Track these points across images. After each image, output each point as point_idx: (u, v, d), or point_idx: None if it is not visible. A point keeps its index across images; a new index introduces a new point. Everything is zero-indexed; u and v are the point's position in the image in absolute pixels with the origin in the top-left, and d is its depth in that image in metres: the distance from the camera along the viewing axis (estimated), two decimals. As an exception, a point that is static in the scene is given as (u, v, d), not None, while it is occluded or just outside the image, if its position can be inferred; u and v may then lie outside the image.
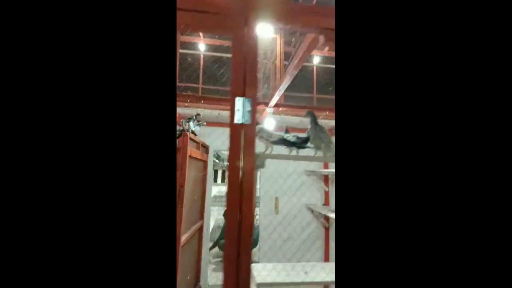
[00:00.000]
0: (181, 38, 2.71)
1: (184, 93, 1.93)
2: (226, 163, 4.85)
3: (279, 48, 2.61)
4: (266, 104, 1.82)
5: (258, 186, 3.88)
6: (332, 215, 2.57)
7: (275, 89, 2.18)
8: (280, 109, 1.89)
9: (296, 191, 2.93)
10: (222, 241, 3.61)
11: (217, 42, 4.10)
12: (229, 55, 4.00)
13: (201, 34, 3.92)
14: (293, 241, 2.87)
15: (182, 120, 1.99)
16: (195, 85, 4.13)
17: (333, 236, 2.83)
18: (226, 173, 3.98)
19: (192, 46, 4.09)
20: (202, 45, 4.15)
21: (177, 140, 2.54)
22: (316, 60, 3.64)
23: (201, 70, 4.08)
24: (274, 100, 1.72)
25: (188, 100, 1.99)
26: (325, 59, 3.75)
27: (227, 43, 4.01)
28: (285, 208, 2.90)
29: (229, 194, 0.74)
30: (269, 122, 2.01)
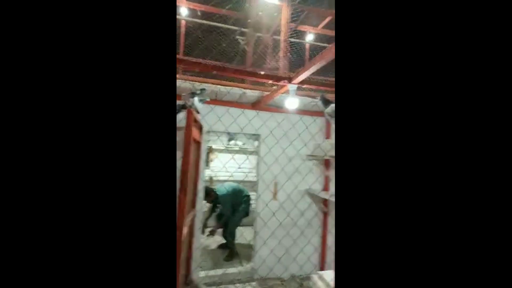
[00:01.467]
0: None
1: (193, 60, 1.55)
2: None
3: (284, 18, 2.28)
4: (290, 80, 1.51)
5: (255, 171, 3.66)
6: (332, 199, 2.48)
7: (284, 64, 1.90)
8: (304, 86, 1.60)
9: (295, 175, 2.76)
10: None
11: (202, 7, 3.55)
12: (221, 24, 3.52)
13: (185, -4, 3.35)
14: (292, 227, 2.76)
15: (183, 94, 1.63)
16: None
17: (332, 222, 2.77)
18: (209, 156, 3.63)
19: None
20: (184, 9, 3.59)
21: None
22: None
23: (181, 39, 3.53)
24: (302, 77, 1.42)
25: (197, 70, 1.62)
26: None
27: (216, 10, 3.50)
28: (284, 194, 2.74)
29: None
30: (291, 102, 1.68)
